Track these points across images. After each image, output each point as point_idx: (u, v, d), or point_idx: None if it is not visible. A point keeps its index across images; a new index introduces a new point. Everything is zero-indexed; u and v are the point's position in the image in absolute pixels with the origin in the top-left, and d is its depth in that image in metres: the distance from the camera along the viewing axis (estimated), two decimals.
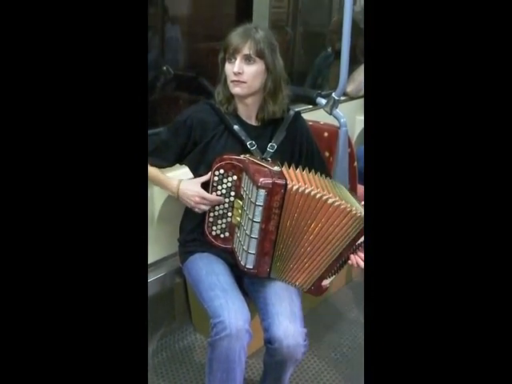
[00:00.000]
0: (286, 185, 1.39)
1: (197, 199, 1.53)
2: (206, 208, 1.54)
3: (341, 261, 1.49)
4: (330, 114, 2.06)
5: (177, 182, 1.60)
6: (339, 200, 1.41)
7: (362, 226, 1.40)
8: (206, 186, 1.55)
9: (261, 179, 1.38)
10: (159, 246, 1.98)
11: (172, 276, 2.03)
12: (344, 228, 1.42)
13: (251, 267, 1.48)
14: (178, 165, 1.66)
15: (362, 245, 1.46)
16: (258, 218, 1.41)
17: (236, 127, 1.56)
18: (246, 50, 1.46)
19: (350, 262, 1.49)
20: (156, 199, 1.90)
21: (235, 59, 1.47)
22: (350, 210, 1.40)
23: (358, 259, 1.47)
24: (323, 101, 2.08)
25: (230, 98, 1.56)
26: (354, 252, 1.48)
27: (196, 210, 1.55)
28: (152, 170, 1.64)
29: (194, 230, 1.65)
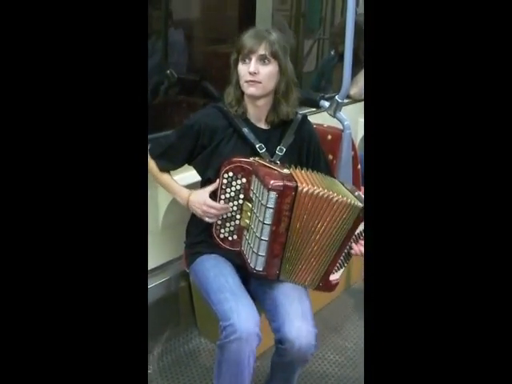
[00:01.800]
0: (296, 187, 1.40)
1: (204, 208, 1.53)
2: (214, 218, 1.54)
3: (343, 253, 1.50)
4: (334, 116, 2.06)
5: (187, 192, 1.61)
6: (340, 196, 1.43)
7: (358, 214, 1.42)
8: (216, 191, 1.54)
9: (271, 181, 1.38)
10: (164, 249, 1.98)
11: (177, 280, 2.03)
12: (344, 220, 1.44)
13: (261, 269, 1.49)
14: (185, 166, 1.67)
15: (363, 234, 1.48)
16: (268, 221, 1.42)
17: (245, 130, 1.56)
18: (261, 51, 1.47)
19: (353, 252, 1.50)
20: (161, 203, 1.90)
21: (250, 60, 1.48)
22: (347, 202, 1.42)
23: (360, 248, 1.49)
24: (326, 103, 2.08)
25: (241, 99, 1.57)
26: (356, 242, 1.49)
27: (206, 219, 1.56)
28: (165, 178, 1.66)
29: (201, 232, 1.65)
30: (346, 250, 1.50)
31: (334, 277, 1.55)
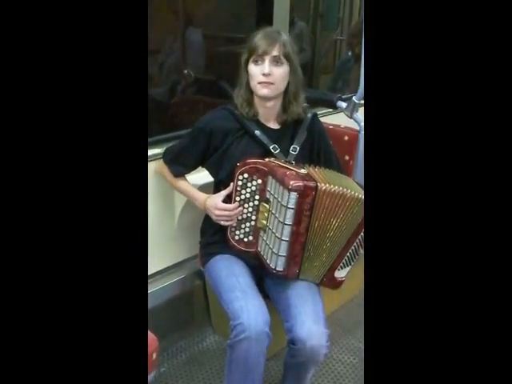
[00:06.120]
0: (316, 187, 1.41)
1: (216, 212, 1.54)
2: (229, 221, 1.54)
3: (351, 249, 1.50)
4: (351, 117, 2.05)
5: (204, 197, 1.61)
6: (352, 191, 1.44)
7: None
8: (231, 193, 1.55)
9: (291, 182, 1.39)
10: (179, 248, 1.99)
11: (192, 278, 2.04)
12: (354, 215, 1.45)
13: (281, 269, 1.50)
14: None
15: None
16: (289, 221, 1.42)
17: (257, 132, 1.57)
18: (275, 52, 1.49)
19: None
20: (176, 202, 1.91)
21: (263, 61, 1.49)
22: (357, 197, 1.43)
23: None
24: (344, 104, 2.07)
25: (251, 100, 1.58)
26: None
27: (222, 223, 1.56)
28: (182, 184, 1.68)
29: (216, 233, 1.65)
30: (353, 247, 1.50)
31: (339, 274, 1.55)
